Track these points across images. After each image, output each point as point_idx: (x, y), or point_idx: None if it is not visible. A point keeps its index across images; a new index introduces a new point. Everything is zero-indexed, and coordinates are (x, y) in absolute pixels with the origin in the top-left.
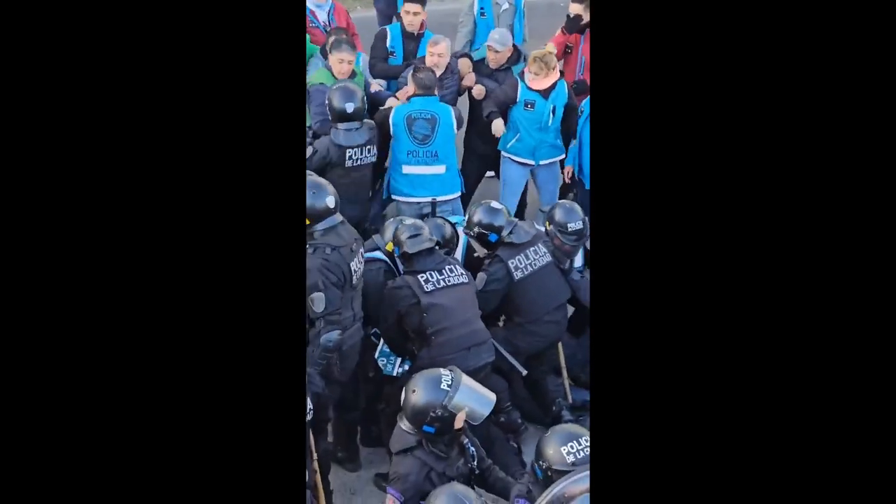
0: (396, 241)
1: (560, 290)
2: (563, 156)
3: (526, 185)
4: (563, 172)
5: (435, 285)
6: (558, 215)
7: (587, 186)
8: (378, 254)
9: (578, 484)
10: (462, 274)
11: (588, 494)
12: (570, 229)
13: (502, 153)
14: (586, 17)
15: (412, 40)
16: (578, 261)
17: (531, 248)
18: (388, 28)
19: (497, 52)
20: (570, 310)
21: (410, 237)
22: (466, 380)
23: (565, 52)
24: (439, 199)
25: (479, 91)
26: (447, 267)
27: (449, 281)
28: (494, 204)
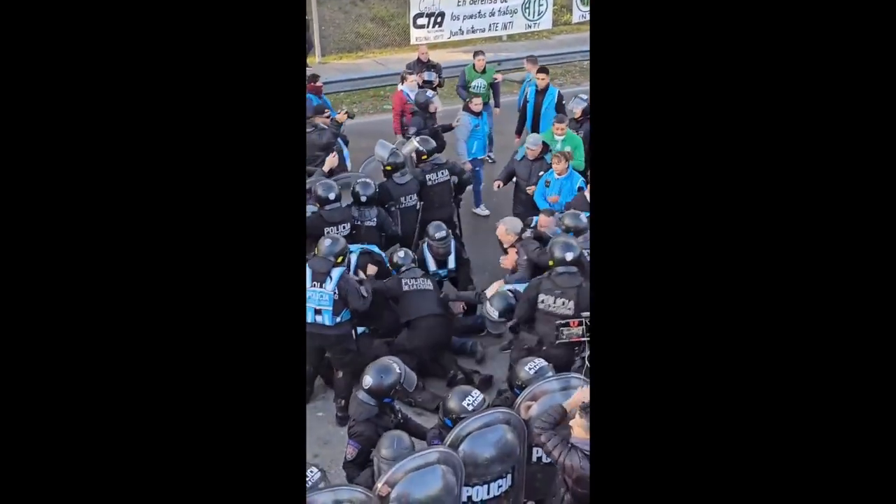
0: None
1: None
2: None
3: None
4: None
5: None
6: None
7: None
8: None
9: (543, 386)
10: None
11: (552, 394)
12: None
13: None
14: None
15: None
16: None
17: None
18: None
19: (532, 149)
20: None
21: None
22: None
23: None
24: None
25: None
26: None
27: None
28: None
